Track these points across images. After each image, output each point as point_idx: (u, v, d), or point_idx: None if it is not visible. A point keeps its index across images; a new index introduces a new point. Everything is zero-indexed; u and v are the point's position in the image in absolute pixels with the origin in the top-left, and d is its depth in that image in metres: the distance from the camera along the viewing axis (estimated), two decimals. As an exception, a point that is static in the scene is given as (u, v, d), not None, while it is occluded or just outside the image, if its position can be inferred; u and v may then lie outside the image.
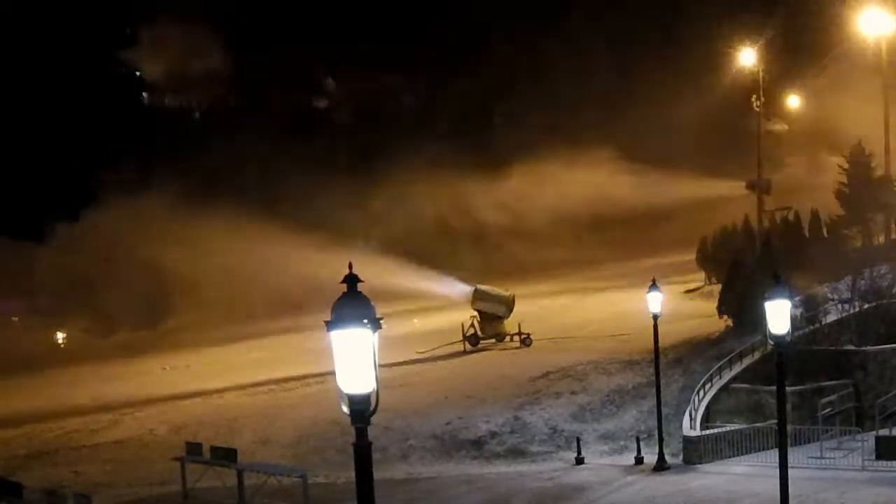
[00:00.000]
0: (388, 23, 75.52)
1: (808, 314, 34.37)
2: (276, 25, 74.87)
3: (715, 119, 68.18)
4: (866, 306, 34.80)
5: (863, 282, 36.01)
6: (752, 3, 65.29)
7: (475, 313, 44.75)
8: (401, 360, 40.17)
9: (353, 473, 8.02)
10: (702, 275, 51.84)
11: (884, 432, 27.63)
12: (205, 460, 26.21)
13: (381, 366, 7.65)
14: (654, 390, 29.47)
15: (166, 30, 74.61)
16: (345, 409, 7.65)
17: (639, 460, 28.66)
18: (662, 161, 68.49)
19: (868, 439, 27.69)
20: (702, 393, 31.44)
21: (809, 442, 28.29)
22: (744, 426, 29.40)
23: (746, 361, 32.84)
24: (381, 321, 7.63)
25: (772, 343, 15.29)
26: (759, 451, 27.77)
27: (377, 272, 41.95)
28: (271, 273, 59.34)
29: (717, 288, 42.60)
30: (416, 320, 51.65)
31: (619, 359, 37.99)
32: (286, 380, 40.88)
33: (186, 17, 73.61)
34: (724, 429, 29.42)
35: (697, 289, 50.80)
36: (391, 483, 26.67)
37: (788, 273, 33.75)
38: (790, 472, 15.63)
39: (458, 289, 47.04)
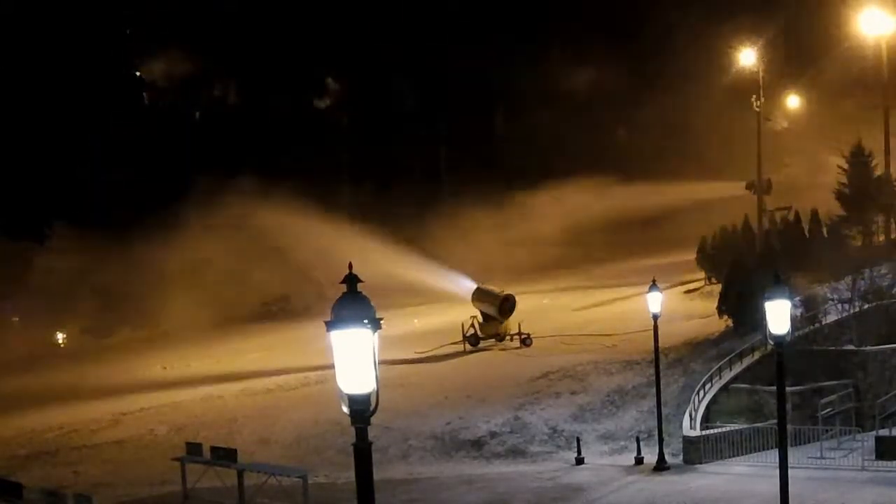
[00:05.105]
0: (388, 23, 75.59)
1: (808, 314, 34.39)
2: (277, 25, 74.87)
3: (715, 119, 68.20)
4: (866, 306, 34.79)
5: (863, 282, 36.02)
6: (752, 3, 65.28)
7: (476, 313, 44.76)
8: (401, 359, 40.19)
9: (353, 473, 8.02)
10: (702, 275, 51.87)
11: (884, 432, 27.62)
12: (205, 460, 26.21)
13: (381, 363, 7.66)
14: (654, 390, 29.47)
15: (166, 30, 74.65)
16: (345, 409, 7.66)
17: (639, 460, 28.66)
18: (662, 161, 68.58)
19: (868, 439, 27.72)
20: (702, 393, 31.45)
21: (809, 442, 28.32)
22: (744, 426, 29.41)
23: (746, 361, 32.84)
24: (381, 321, 7.64)
25: (772, 343, 15.30)
26: (759, 451, 27.78)
27: (382, 265, 42.16)
28: (272, 272, 59.42)
29: (717, 288, 42.60)
30: (416, 320, 51.67)
31: (619, 359, 38.01)
32: (286, 380, 40.90)
33: (186, 18, 73.65)
34: (724, 429, 29.42)
35: (697, 289, 50.82)
36: (391, 483, 26.67)
37: (788, 273, 33.84)
38: (790, 472, 15.64)
39: (464, 285, 47.00)
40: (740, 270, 38.61)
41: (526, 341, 43.17)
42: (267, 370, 43.37)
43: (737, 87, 60.23)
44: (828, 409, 30.04)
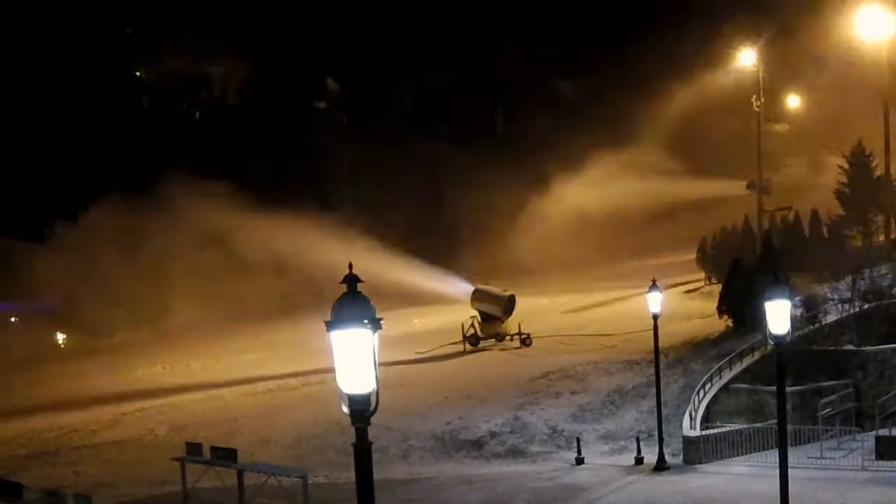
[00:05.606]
0: (389, 23, 75.63)
1: (808, 314, 34.39)
2: (277, 26, 74.91)
3: (715, 119, 68.23)
4: (866, 306, 34.77)
5: (863, 282, 36.00)
6: (752, 3, 65.29)
7: (475, 313, 44.78)
8: (401, 360, 40.20)
9: (353, 473, 8.02)
10: (702, 275, 51.89)
11: (884, 432, 27.58)
12: (205, 460, 26.22)
13: (381, 365, 7.65)
14: (654, 390, 29.46)
15: (166, 31, 74.69)
16: (345, 409, 7.65)
17: (639, 460, 28.64)
18: (662, 161, 68.59)
19: (868, 439, 27.68)
20: (702, 393, 31.44)
21: (809, 442, 28.29)
22: (744, 426, 29.39)
23: (746, 361, 32.82)
24: (381, 321, 7.63)
25: (772, 343, 15.29)
26: (759, 451, 27.76)
27: (378, 269, 42.21)
28: (272, 272, 59.43)
29: (717, 288, 42.61)
30: (416, 320, 51.71)
31: (619, 359, 38.01)
32: (286, 379, 40.91)
33: (186, 18, 73.67)
34: (724, 429, 29.41)
35: (697, 289, 50.85)
36: (391, 483, 26.65)
37: (788, 273, 33.88)
38: (790, 472, 15.62)
39: (460, 287, 47.12)
40: (740, 270, 38.60)
41: (526, 341, 43.19)
42: (267, 370, 43.39)
43: (737, 86, 60.26)
44: (828, 409, 30.02)
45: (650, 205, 68.26)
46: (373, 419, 7.64)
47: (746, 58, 56.76)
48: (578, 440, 30.30)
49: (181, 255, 60.70)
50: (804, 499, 21.55)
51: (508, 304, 44.93)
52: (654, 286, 27.76)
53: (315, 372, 39.20)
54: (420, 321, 51.71)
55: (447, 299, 49.07)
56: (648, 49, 72.58)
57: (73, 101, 68.47)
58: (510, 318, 44.79)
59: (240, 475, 24.61)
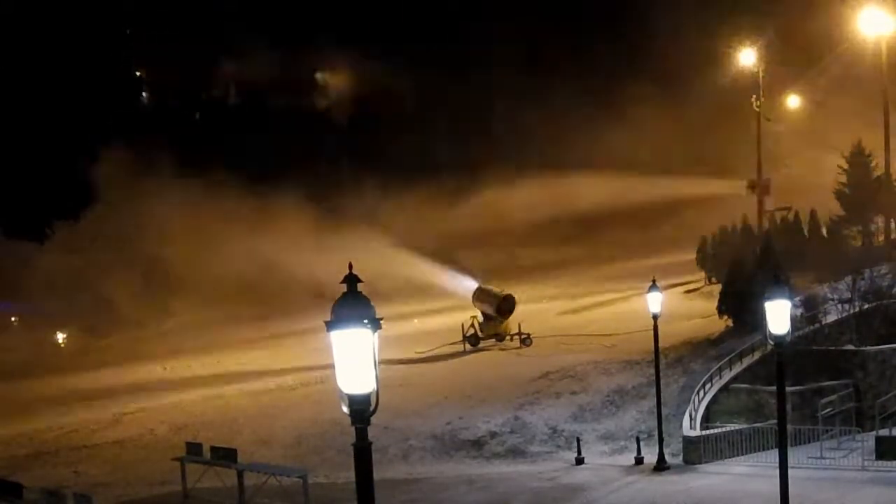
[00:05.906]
0: (388, 22, 75.67)
1: (808, 314, 34.37)
2: (277, 25, 74.94)
3: (715, 119, 68.23)
4: (866, 306, 34.75)
5: (863, 282, 35.98)
6: (752, 3, 65.30)
7: (476, 313, 44.80)
8: (401, 360, 40.19)
9: (353, 473, 8.02)
10: (702, 275, 51.89)
11: (884, 432, 27.58)
12: (205, 460, 26.25)
13: (381, 363, 7.65)
14: (654, 390, 29.45)
15: (166, 31, 74.74)
16: (345, 409, 7.66)
17: (639, 460, 28.64)
18: (663, 161, 68.59)
19: (868, 439, 27.67)
20: (702, 393, 31.44)
21: (809, 442, 28.27)
22: (744, 426, 29.38)
23: (746, 361, 32.82)
24: (381, 321, 7.64)
25: (772, 343, 15.27)
26: (759, 451, 27.75)
27: (386, 266, 42.24)
28: (272, 273, 59.43)
29: (717, 288, 42.59)
30: (416, 320, 51.71)
31: (619, 359, 37.99)
32: (286, 380, 40.92)
33: (186, 18, 73.70)
34: (724, 429, 29.40)
35: (697, 289, 50.85)
36: (391, 483, 26.66)
37: (788, 273, 33.85)
38: (790, 472, 15.62)
39: (466, 284, 47.16)
40: (740, 270, 38.59)
41: (526, 341, 43.18)
42: (267, 370, 43.41)
43: (737, 86, 60.24)
44: (828, 409, 30.00)
45: (650, 204, 68.27)
46: (373, 419, 7.65)
47: (746, 58, 56.74)
48: (578, 440, 30.29)
49: (181, 255, 60.68)
50: (804, 499, 21.53)
51: (504, 304, 44.74)
52: (654, 286, 27.75)
53: (313, 368, 39.25)
54: (420, 321, 51.72)
55: (441, 300, 49.15)
56: (648, 47, 72.70)
57: (73, 100, 68.47)
58: (510, 318, 44.75)
59: (240, 475, 24.63)
